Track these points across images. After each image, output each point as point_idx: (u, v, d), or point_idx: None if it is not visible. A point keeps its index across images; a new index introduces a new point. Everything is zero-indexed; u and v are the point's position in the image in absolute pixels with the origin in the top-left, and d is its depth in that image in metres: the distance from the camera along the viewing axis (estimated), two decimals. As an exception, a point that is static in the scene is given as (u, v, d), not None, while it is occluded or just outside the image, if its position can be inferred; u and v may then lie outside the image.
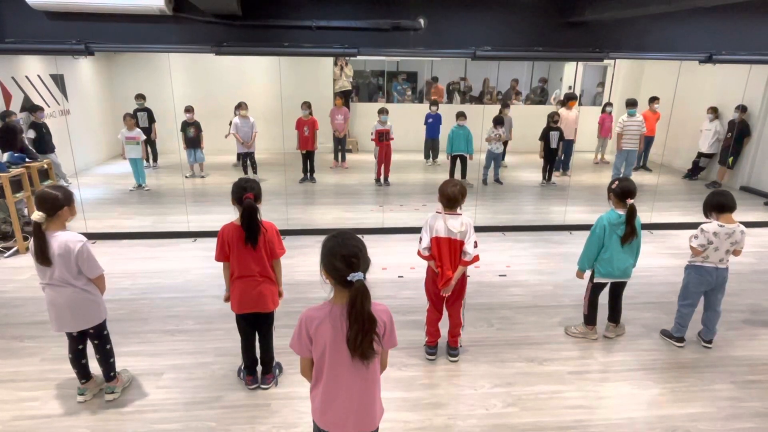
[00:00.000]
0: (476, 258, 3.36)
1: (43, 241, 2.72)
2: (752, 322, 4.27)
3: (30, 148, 6.42)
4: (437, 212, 3.37)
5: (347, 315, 1.82)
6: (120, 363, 3.23)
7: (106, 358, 3.11)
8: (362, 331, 1.81)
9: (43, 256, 2.73)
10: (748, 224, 3.76)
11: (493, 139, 8.53)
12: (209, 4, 4.28)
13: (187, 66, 10.33)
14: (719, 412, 3.14)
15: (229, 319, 3.76)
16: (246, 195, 2.89)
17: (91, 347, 3.11)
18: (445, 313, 3.62)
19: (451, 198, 3.29)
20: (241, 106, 8.59)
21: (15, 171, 5.46)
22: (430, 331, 3.63)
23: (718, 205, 3.58)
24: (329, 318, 1.88)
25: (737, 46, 5.31)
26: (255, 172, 8.77)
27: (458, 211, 3.35)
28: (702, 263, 3.65)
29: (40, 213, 2.71)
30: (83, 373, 3.13)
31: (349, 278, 1.79)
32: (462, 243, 3.32)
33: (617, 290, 3.90)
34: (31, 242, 2.80)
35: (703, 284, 3.70)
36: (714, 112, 8.82)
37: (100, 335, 3.07)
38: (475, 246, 3.34)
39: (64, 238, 2.77)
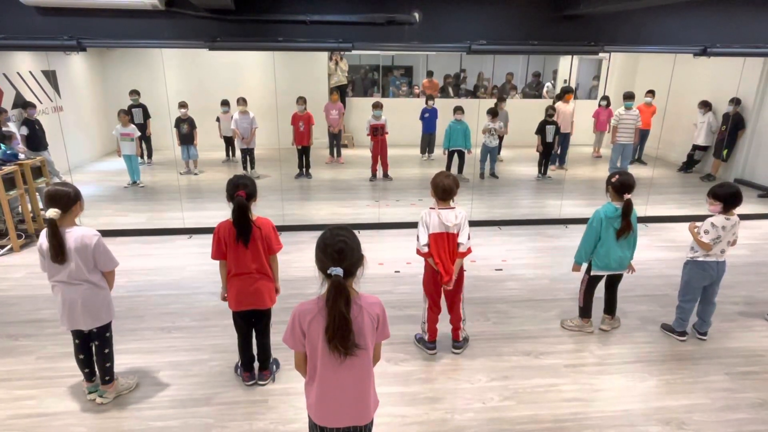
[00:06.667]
0: (469, 250, 3.37)
1: (59, 238, 2.70)
2: (747, 313, 4.30)
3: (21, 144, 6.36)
4: (431, 208, 3.36)
5: (325, 308, 1.83)
6: (117, 361, 3.20)
7: (104, 361, 3.08)
8: (333, 326, 1.81)
9: (61, 253, 2.71)
10: (742, 216, 3.78)
11: (488, 130, 8.52)
12: (202, -1, 4.25)
13: (181, 61, 10.25)
14: (714, 403, 3.17)
15: (225, 316, 3.76)
16: (238, 192, 2.88)
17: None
18: (444, 308, 3.62)
19: (447, 189, 3.27)
20: (240, 102, 8.55)
21: (7, 168, 5.42)
22: (432, 329, 3.63)
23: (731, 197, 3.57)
24: (321, 312, 1.87)
25: (731, 39, 5.32)
26: (252, 168, 8.74)
27: (451, 204, 3.34)
28: (704, 258, 3.66)
29: (56, 210, 2.68)
30: (92, 372, 3.12)
31: (328, 272, 1.81)
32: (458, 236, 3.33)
33: (613, 283, 3.92)
34: (41, 240, 2.77)
35: (706, 279, 3.71)
36: (705, 106, 8.82)
37: (101, 336, 3.03)
38: (468, 238, 3.35)
39: (79, 233, 2.77)
